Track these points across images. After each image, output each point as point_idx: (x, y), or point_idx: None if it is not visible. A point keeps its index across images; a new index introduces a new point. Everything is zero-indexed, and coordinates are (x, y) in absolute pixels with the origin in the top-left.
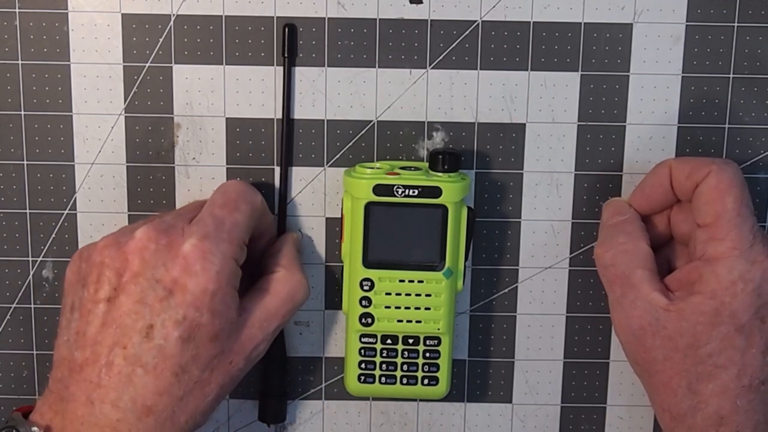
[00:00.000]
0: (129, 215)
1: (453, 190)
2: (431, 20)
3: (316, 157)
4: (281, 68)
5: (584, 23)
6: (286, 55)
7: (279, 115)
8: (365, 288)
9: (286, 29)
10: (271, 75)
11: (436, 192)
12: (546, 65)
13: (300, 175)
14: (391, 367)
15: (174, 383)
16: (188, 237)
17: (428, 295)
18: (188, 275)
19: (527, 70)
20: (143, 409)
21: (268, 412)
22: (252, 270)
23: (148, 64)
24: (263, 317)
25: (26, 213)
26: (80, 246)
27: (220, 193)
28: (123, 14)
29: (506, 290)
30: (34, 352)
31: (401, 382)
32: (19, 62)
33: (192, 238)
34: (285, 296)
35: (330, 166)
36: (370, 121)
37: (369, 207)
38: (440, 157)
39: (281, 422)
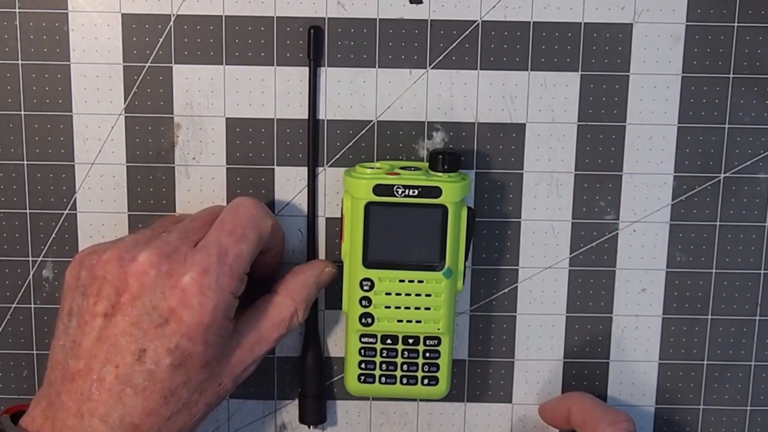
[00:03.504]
0: (129, 215)
1: (453, 190)
2: (431, 20)
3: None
4: (281, 68)
5: (584, 23)
6: (312, 57)
7: (278, 115)
8: (365, 288)
9: (312, 31)
10: (271, 75)
11: (436, 192)
12: (546, 65)
13: (300, 174)
14: (391, 367)
15: (162, 405)
16: (189, 268)
17: (428, 295)
18: (185, 307)
19: (527, 70)
20: (131, 427)
21: (308, 414)
22: (256, 280)
23: (148, 64)
24: (255, 340)
25: (26, 213)
26: (80, 246)
27: (230, 215)
28: (123, 14)
29: (506, 290)
30: (34, 352)
31: (401, 382)
32: (19, 62)
33: (193, 270)
34: (278, 321)
35: (330, 166)
36: (370, 121)
37: (369, 207)
38: (440, 157)
39: (322, 423)
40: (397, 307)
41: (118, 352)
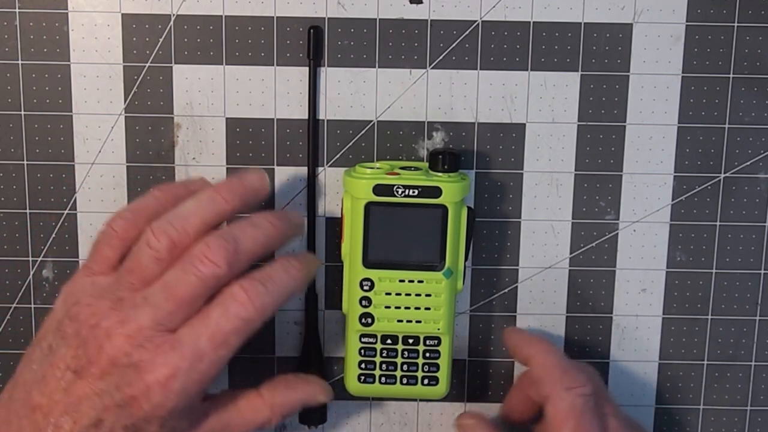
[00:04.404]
0: None
1: (453, 190)
2: (431, 20)
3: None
4: (281, 68)
5: (584, 23)
6: (312, 57)
7: (278, 116)
8: (365, 288)
9: (312, 31)
10: (272, 75)
11: (436, 192)
12: (546, 65)
13: (300, 174)
14: (391, 367)
15: None
16: (158, 368)
17: (428, 295)
18: (146, 400)
19: (527, 70)
20: None
21: (308, 414)
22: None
23: (148, 64)
24: (219, 429)
25: (26, 213)
26: (81, 246)
27: (218, 312)
28: (123, 14)
29: (506, 290)
30: None
31: (401, 382)
32: (19, 62)
33: (160, 371)
34: (249, 422)
35: (330, 166)
36: (370, 121)
37: (369, 207)
38: (440, 157)
39: (323, 423)
40: (397, 307)
41: (78, 411)
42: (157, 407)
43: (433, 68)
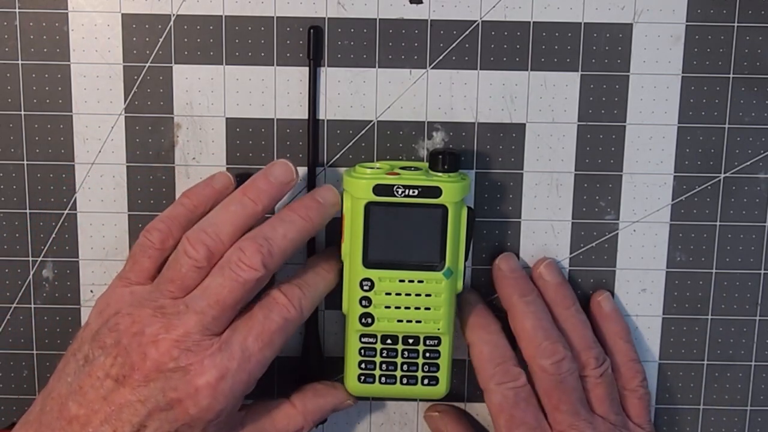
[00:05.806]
0: (129, 215)
1: (453, 190)
2: (431, 20)
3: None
4: (281, 68)
5: (584, 23)
6: (312, 57)
7: (278, 116)
8: (365, 288)
9: (312, 31)
10: (272, 75)
11: (436, 192)
12: (546, 65)
13: (300, 174)
14: (391, 367)
15: None
16: (207, 370)
17: (428, 295)
18: (193, 403)
19: (527, 70)
20: None
21: None
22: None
23: (148, 64)
24: None
25: (26, 213)
26: (81, 246)
27: (263, 313)
28: (123, 14)
29: None
30: (34, 352)
31: (401, 382)
32: (19, 62)
33: (211, 373)
34: (282, 429)
35: (330, 166)
36: (370, 121)
37: (369, 207)
38: (440, 157)
39: (323, 423)
40: (397, 307)
41: (119, 419)
42: (205, 410)
43: (433, 68)
